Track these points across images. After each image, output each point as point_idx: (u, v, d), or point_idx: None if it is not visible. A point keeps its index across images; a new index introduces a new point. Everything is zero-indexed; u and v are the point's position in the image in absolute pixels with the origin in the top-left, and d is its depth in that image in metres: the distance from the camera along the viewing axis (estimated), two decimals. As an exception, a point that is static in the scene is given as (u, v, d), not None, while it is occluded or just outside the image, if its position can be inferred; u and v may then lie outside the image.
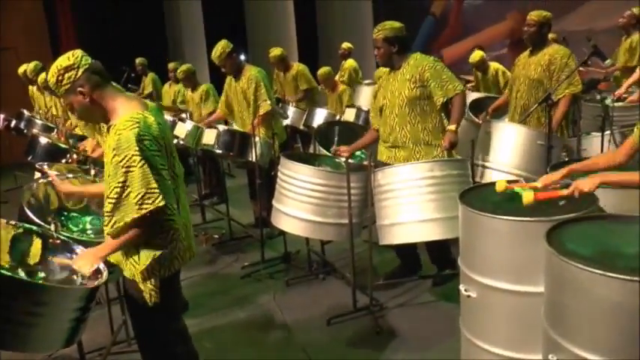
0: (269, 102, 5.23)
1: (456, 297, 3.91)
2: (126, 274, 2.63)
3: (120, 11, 12.17)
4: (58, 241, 2.83)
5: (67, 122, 7.07)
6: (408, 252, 4.37)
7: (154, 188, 2.35)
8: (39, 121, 7.34)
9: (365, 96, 7.62)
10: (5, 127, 8.41)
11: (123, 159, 2.36)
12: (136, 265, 2.55)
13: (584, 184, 2.59)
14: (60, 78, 2.44)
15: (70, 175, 3.46)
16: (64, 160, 4.78)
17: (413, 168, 3.63)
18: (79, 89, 2.45)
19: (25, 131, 7.55)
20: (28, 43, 11.35)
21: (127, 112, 2.46)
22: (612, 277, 1.95)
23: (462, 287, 2.91)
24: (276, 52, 7.62)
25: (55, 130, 6.94)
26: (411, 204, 3.58)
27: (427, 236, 3.68)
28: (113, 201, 2.42)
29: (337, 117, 6.56)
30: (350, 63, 8.93)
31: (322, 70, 7.21)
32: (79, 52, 2.50)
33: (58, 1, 11.99)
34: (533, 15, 4.55)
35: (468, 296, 2.85)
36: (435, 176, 3.54)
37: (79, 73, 2.44)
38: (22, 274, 2.63)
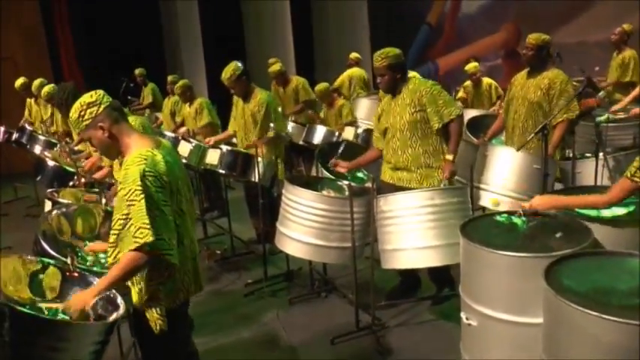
0: (277, 129, 5.36)
1: (455, 316, 4.04)
2: (133, 299, 2.72)
3: (118, 21, 12.22)
4: (76, 274, 2.93)
5: (66, 137, 7.20)
6: (409, 272, 4.48)
7: (146, 224, 2.43)
8: (42, 137, 7.39)
9: (363, 109, 7.71)
10: (5, 139, 8.48)
11: (127, 192, 2.47)
12: (140, 296, 2.66)
13: (539, 205, 2.97)
14: (82, 113, 2.59)
15: (85, 205, 3.57)
16: (71, 183, 4.87)
17: (414, 196, 3.76)
18: (100, 124, 2.59)
19: (27, 146, 7.61)
20: (27, 53, 11.48)
21: (140, 147, 2.59)
22: (605, 318, 2.08)
23: (462, 315, 3.04)
24: (275, 66, 7.73)
25: (58, 146, 7.02)
26: (412, 231, 3.71)
27: (428, 262, 3.82)
28: (117, 232, 2.54)
29: (336, 133, 6.67)
30: (350, 72, 9.04)
31: (320, 86, 7.28)
32: (100, 91, 2.65)
33: (57, 12, 12.05)
34: (532, 38, 4.62)
35: (469, 324, 2.97)
36: (436, 204, 3.67)
37: (101, 109, 2.59)
38: (43, 308, 2.74)
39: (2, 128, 8.41)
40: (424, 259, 3.76)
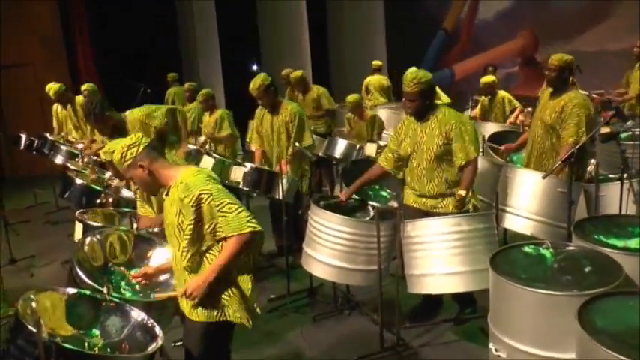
0: (302, 146, 5.43)
1: (478, 337, 4.13)
2: (186, 312, 2.91)
3: (135, 27, 12.34)
4: (113, 304, 3.00)
5: (91, 145, 7.28)
6: None
7: (240, 215, 2.72)
8: (63, 147, 7.46)
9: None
10: (27, 146, 8.54)
11: (191, 199, 2.71)
12: (209, 308, 2.86)
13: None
14: (124, 154, 2.82)
15: (117, 230, 3.64)
16: (98, 201, 4.94)
17: (442, 222, 3.81)
18: (140, 163, 2.82)
19: (49, 156, 7.69)
20: (45, 59, 11.59)
21: (185, 171, 2.84)
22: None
23: (491, 346, 3.09)
24: (297, 72, 7.90)
25: (80, 155, 7.11)
26: (439, 257, 3.76)
27: (454, 288, 3.88)
28: (188, 237, 2.78)
29: (357, 147, 6.69)
30: (367, 80, 9.07)
31: (352, 97, 7.22)
32: (140, 134, 2.93)
33: (75, 18, 12.16)
34: (554, 59, 4.60)
35: (498, 355, 3.02)
36: (463, 230, 3.71)
37: (140, 149, 2.83)
38: (84, 341, 2.81)
39: (24, 136, 8.46)
40: (451, 284, 3.81)
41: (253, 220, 2.74)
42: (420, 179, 4.21)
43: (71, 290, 3.02)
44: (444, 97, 8.38)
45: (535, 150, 4.76)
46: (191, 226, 2.75)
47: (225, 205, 2.71)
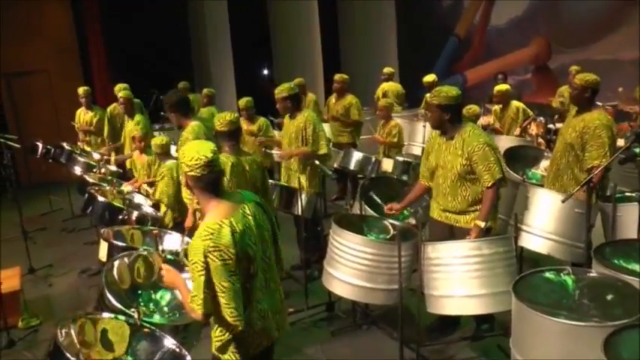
0: (326, 148, 5.51)
1: (495, 353, 4.18)
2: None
3: (149, 33, 12.42)
4: (145, 330, 3.07)
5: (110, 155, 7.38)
6: None
7: (200, 298, 2.60)
8: (81, 159, 7.55)
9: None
10: (43, 155, 8.62)
11: (191, 262, 2.65)
12: (214, 344, 2.82)
13: None
14: (182, 159, 2.72)
15: (144, 253, 3.70)
16: (120, 217, 5.01)
17: (462, 246, 3.86)
18: (186, 179, 2.75)
19: (66, 165, 7.79)
20: (60, 65, 11.66)
21: (211, 218, 2.69)
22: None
23: (514, 370, 3.15)
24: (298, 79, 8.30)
25: (97, 166, 7.19)
26: (459, 279, 3.81)
27: (474, 310, 3.92)
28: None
29: (372, 159, 6.73)
30: (383, 87, 9.12)
31: (383, 102, 7.27)
32: (200, 161, 2.67)
33: (89, 25, 12.23)
34: (577, 78, 4.64)
35: (521, 381, 3.07)
36: (483, 254, 3.76)
37: (190, 173, 2.69)
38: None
39: (40, 144, 8.54)
40: (470, 307, 3.86)
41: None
42: (445, 195, 4.29)
43: (105, 315, 3.09)
44: None
45: (554, 165, 4.86)
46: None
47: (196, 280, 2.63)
